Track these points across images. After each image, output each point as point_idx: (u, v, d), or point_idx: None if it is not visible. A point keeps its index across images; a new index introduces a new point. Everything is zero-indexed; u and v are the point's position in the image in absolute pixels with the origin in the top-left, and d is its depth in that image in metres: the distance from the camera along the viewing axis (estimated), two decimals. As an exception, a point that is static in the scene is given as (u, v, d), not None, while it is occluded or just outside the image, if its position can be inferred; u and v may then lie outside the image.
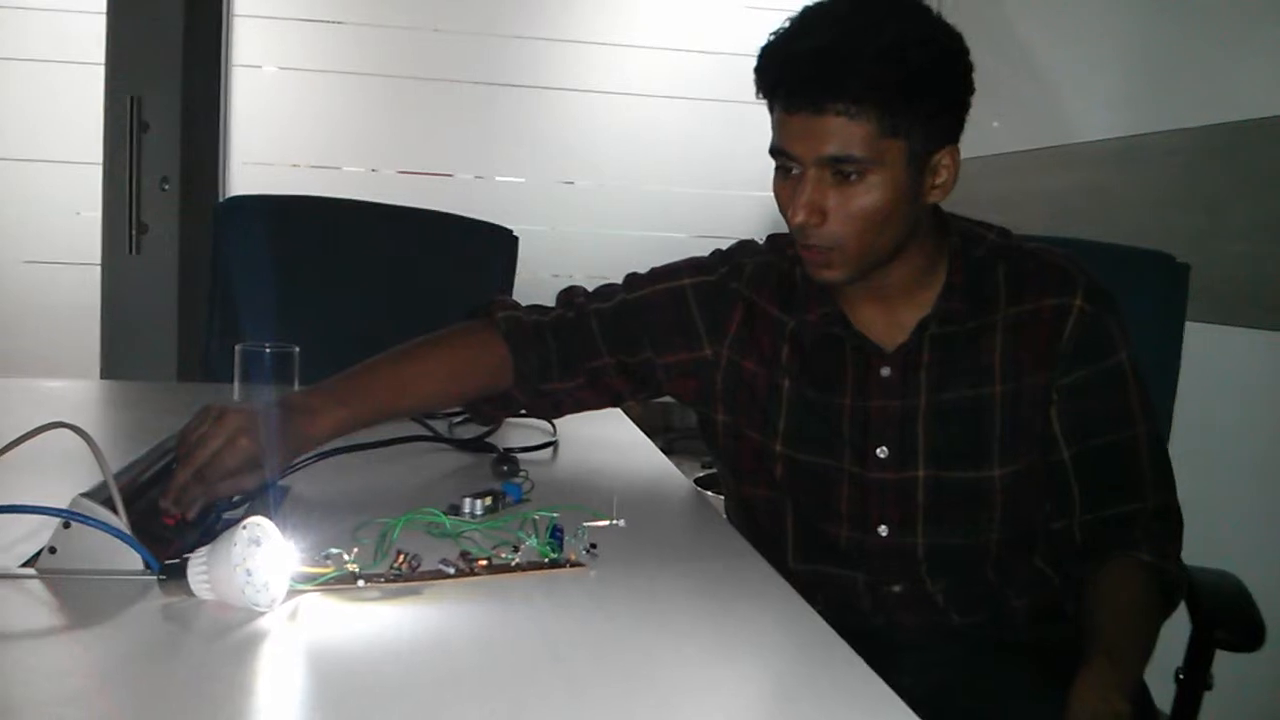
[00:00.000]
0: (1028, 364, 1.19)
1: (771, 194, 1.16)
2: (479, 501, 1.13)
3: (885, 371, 1.21)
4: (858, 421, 1.22)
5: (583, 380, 1.31)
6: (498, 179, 3.33)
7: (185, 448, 1.04)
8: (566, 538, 1.03)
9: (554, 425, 1.55)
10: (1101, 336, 1.20)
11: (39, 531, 0.94)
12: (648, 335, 1.30)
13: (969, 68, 1.12)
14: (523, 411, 1.37)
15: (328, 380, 1.19)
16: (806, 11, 1.12)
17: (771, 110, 1.14)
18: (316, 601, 0.89)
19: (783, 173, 1.15)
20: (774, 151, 1.14)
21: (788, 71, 1.10)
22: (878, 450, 1.21)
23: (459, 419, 1.53)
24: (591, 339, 1.30)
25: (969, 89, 1.13)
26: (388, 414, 1.26)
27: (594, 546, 1.03)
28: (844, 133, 1.08)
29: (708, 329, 1.29)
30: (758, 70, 1.13)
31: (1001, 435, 1.19)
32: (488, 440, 1.46)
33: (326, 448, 1.24)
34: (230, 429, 1.04)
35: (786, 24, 1.12)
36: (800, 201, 1.11)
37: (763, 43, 1.13)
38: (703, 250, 1.35)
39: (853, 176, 1.10)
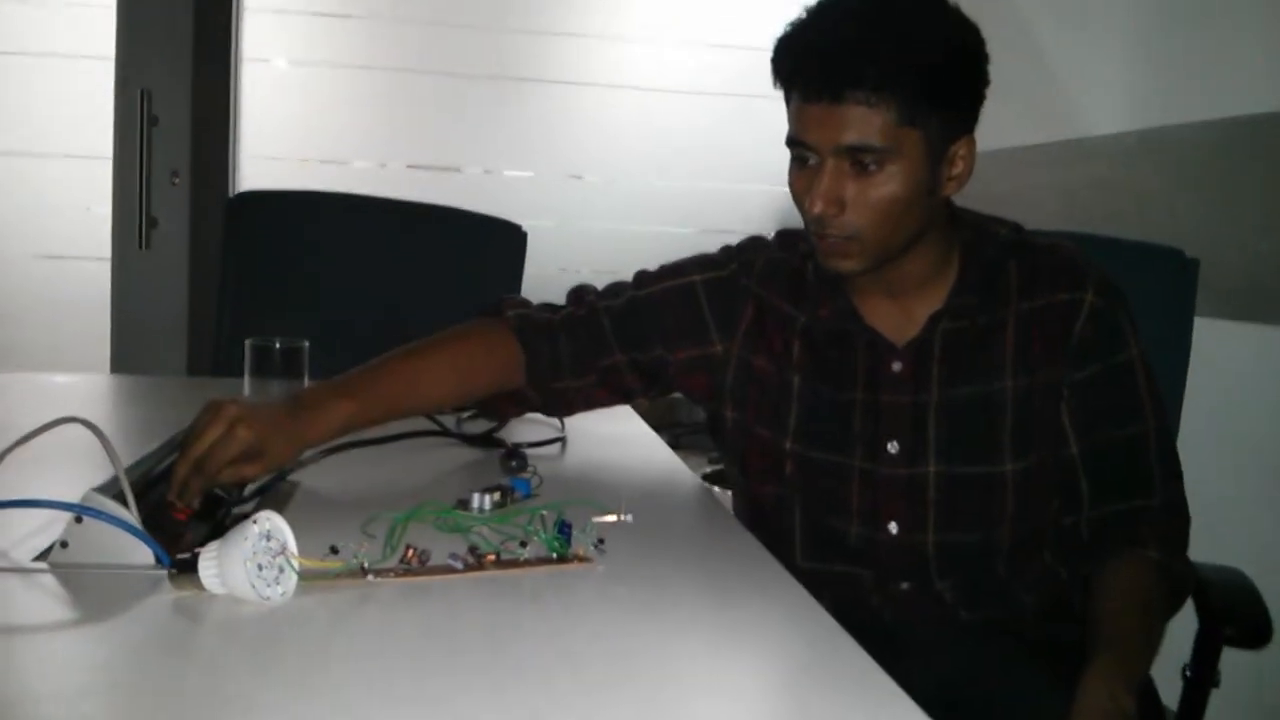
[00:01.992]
0: (1039, 359, 1.19)
1: (780, 189, 1.16)
2: (487, 497, 1.13)
3: (897, 366, 1.21)
4: (869, 417, 1.22)
5: (594, 378, 1.31)
6: (506, 173, 3.33)
7: (186, 441, 1.05)
8: (575, 533, 1.03)
9: (562, 421, 1.55)
10: (1112, 331, 1.20)
11: (51, 526, 0.95)
12: (659, 332, 1.30)
13: (985, 58, 1.13)
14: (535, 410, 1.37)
15: (337, 376, 1.19)
16: (823, 2, 1.13)
17: (788, 100, 1.14)
18: (326, 596, 0.89)
19: (799, 163, 1.15)
20: (791, 142, 1.15)
21: (808, 61, 1.11)
22: (889, 446, 1.21)
23: (467, 414, 1.53)
24: (603, 337, 1.30)
25: (985, 79, 1.14)
26: (397, 411, 1.26)
27: (602, 542, 1.03)
28: (863, 122, 1.08)
29: (718, 325, 1.29)
30: (775, 61, 1.14)
31: (1012, 431, 1.19)
32: (496, 435, 1.47)
33: (335, 443, 1.25)
34: (228, 419, 1.05)
35: (803, 15, 1.13)
36: (818, 191, 1.11)
37: (779, 33, 1.13)
38: (712, 246, 1.35)
39: (871, 167, 1.10)
